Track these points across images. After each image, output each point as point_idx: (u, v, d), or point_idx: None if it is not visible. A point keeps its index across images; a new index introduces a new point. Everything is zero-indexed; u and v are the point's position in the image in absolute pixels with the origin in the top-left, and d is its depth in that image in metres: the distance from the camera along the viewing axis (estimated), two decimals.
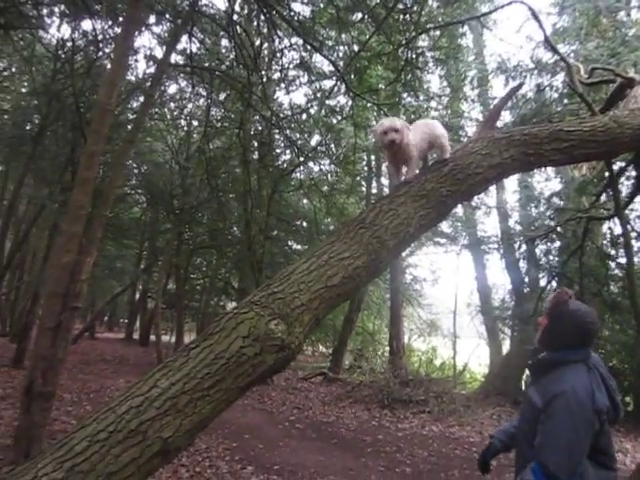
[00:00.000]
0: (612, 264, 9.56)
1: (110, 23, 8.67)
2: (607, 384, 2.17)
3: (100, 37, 8.73)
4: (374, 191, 15.95)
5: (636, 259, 9.45)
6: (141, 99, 10.70)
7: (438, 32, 9.09)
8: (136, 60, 10.45)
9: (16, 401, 6.56)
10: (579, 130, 3.02)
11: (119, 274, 20.57)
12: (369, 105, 10.45)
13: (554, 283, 10.72)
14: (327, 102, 11.22)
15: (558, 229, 9.72)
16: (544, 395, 2.11)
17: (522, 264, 13.47)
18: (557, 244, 11.52)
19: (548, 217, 11.42)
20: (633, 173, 5.35)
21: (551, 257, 11.83)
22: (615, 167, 5.80)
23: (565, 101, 9.03)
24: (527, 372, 2.45)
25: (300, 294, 2.05)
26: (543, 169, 12.48)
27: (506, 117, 10.12)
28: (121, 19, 7.57)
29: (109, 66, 6.05)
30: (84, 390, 9.57)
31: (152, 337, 18.93)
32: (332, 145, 13.15)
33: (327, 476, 5.77)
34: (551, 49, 5.68)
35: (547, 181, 14.34)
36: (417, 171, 2.58)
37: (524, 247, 12.74)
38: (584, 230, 6.34)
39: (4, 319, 21.14)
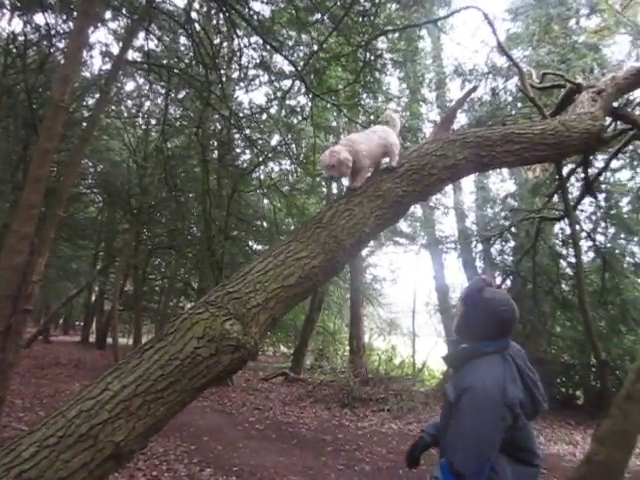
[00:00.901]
0: (563, 263, 9.88)
1: (64, 17, 8.44)
2: (525, 377, 2.06)
3: (53, 32, 8.49)
4: (334, 191, 16.01)
5: (585, 258, 9.82)
6: (97, 96, 10.45)
7: (397, 34, 9.21)
8: (91, 56, 10.21)
9: None
10: (530, 133, 3.11)
11: (74, 275, 20.07)
12: (329, 106, 10.51)
13: (508, 282, 11.03)
14: (287, 102, 11.21)
15: (512, 229, 9.99)
16: (456, 389, 2.01)
17: (478, 263, 13.79)
18: (512, 244, 11.84)
19: (503, 217, 11.73)
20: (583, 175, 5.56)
21: (506, 256, 12.15)
22: (566, 169, 6.03)
23: (519, 104, 9.30)
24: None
25: (256, 294, 2.05)
26: (498, 170, 12.81)
27: (462, 119, 10.35)
28: (75, 13, 7.38)
29: (63, 62, 5.88)
30: (37, 395, 9.29)
31: (109, 340, 18.53)
32: (292, 145, 13.15)
33: (287, 476, 5.77)
34: (504, 54, 5.83)
35: (502, 182, 14.75)
36: (363, 180, 2.57)
37: (480, 247, 13.04)
38: (537, 230, 6.56)
39: None
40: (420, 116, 13.25)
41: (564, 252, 9.94)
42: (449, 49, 29.17)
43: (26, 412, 7.78)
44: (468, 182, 15.74)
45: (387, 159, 2.69)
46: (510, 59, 5.36)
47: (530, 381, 2.06)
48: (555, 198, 6.85)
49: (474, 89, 5.60)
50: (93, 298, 24.54)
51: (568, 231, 9.24)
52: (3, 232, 11.07)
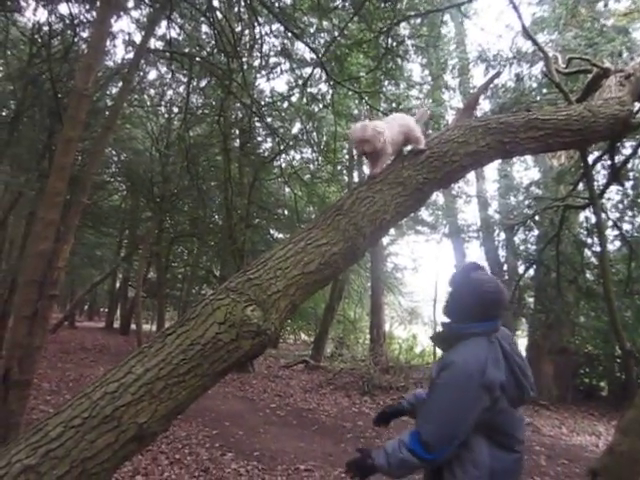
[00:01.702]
0: (588, 252, 9.73)
1: (87, 7, 8.50)
2: (511, 361, 2.03)
3: (77, 21, 8.56)
4: (355, 179, 15.96)
5: (611, 247, 9.65)
6: (120, 85, 10.53)
7: (419, 20, 9.08)
8: (114, 45, 10.26)
9: None
10: (554, 119, 3.05)
11: (99, 262, 20.36)
12: (350, 93, 10.44)
13: (532, 271, 10.90)
14: (308, 90, 11.16)
15: (536, 217, 9.85)
16: (439, 366, 2.05)
17: (501, 252, 13.66)
18: (535, 232, 11.69)
19: (527, 206, 11.56)
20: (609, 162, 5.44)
21: (529, 245, 12.01)
22: (592, 156, 5.90)
23: (544, 90, 9.11)
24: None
25: (276, 280, 2.05)
26: (522, 158, 12.63)
27: (486, 106, 10.20)
28: (98, 3, 7.43)
29: (86, 51, 5.94)
30: (63, 379, 9.51)
31: (133, 326, 18.85)
32: (313, 133, 13.11)
33: (307, 461, 5.83)
34: (529, 38, 5.71)
35: (526, 170, 14.53)
36: (384, 167, 2.54)
37: (503, 235, 12.89)
38: (561, 218, 6.44)
39: None
40: (443, 103, 13.08)
41: (589, 241, 9.77)
42: (473, 34, 28.76)
43: (53, 395, 7.98)
44: (491, 170, 15.57)
45: (408, 147, 2.65)
46: (535, 43, 5.24)
47: (517, 367, 2.04)
48: (580, 186, 6.73)
49: (497, 75, 5.53)
50: (117, 285, 24.95)
51: (593, 219, 9.10)
52: (30, 219, 11.30)
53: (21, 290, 4.56)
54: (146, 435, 1.73)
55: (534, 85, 9.40)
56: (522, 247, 12.18)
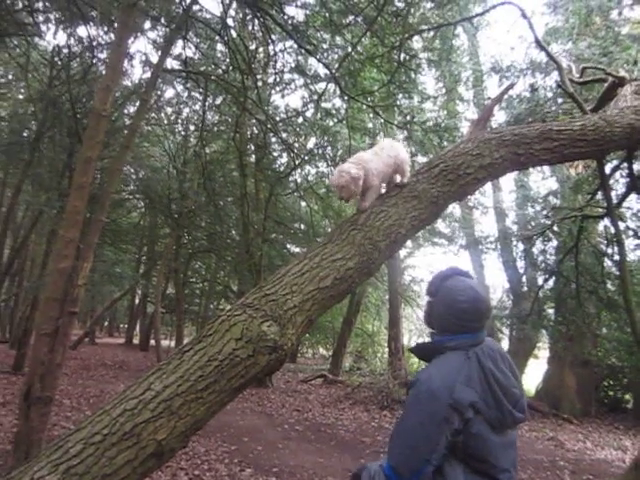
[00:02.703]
0: (609, 262, 9.58)
1: (105, 29, 8.69)
2: (490, 380, 1.81)
3: (95, 43, 8.75)
4: None
5: (632, 257, 9.49)
6: (137, 104, 10.71)
7: (431, 33, 9.12)
8: (132, 65, 10.48)
9: (16, 407, 6.58)
10: (569, 129, 3.05)
11: (118, 279, 20.53)
12: (364, 107, 10.49)
13: (551, 282, 10.76)
14: (322, 105, 11.24)
15: (554, 228, 9.76)
16: (410, 383, 1.90)
17: (520, 263, 13.53)
18: (554, 243, 11.56)
19: (544, 216, 11.46)
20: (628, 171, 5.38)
21: (547, 256, 11.87)
22: (610, 165, 5.85)
23: (559, 100, 9.07)
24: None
25: (292, 296, 2.07)
26: (538, 168, 12.54)
27: (501, 117, 10.18)
28: (115, 25, 7.59)
29: (104, 72, 6.08)
30: (84, 395, 9.58)
31: (152, 342, 18.96)
32: (328, 148, 13.18)
33: (326, 477, 5.79)
34: (541, 49, 5.71)
35: (543, 180, 14.42)
36: (372, 200, 2.50)
37: (521, 246, 12.78)
38: (579, 228, 6.38)
39: (4, 326, 21.20)
40: (457, 115, 13.08)
41: (609, 251, 9.63)
42: (486, 46, 28.79)
43: (74, 411, 8.03)
44: (508, 181, 15.51)
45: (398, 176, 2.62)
46: (548, 54, 5.24)
47: (498, 386, 1.82)
48: (599, 195, 6.66)
49: (511, 86, 5.52)
50: (136, 301, 25.17)
51: (612, 229, 8.97)
52: (51, 238, 11.50)
53: (42, 307, 4.63)
54: (165, 452, 1.75)
55: (549, 95, 9.35)
56: (541, 258, 12.04)
